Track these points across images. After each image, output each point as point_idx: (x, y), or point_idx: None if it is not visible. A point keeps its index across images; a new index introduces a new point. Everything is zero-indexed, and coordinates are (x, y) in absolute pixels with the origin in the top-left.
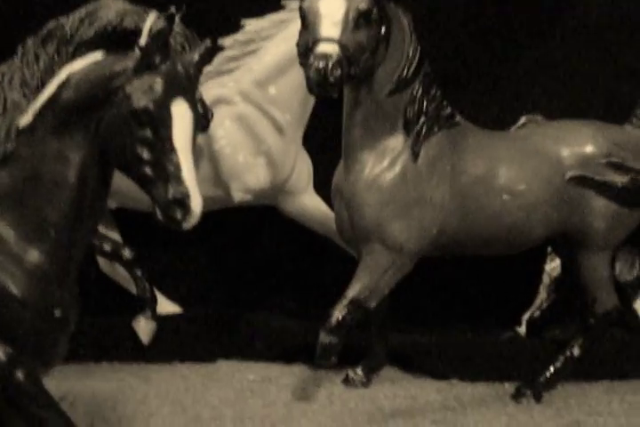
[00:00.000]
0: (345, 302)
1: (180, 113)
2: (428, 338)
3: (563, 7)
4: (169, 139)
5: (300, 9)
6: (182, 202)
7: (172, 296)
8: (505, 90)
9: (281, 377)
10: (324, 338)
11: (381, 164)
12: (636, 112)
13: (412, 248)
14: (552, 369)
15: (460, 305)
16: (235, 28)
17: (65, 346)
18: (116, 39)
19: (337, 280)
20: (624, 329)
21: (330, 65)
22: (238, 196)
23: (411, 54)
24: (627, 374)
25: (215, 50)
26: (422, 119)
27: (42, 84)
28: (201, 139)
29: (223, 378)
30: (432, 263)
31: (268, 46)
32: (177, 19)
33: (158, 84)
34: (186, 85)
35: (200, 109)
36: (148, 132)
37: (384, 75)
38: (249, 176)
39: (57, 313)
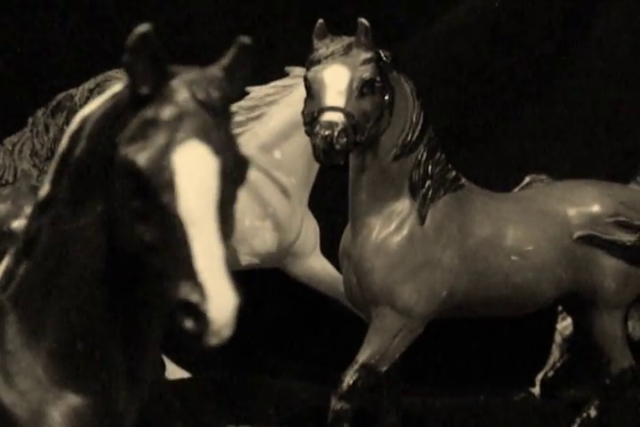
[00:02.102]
0: (356, 366)
1: (191, 162)
2: (440, 401)
3: (565, 65)
4: (171, 207)
5: (305, 79)
6: (191, 307)
7: (180, 361)
8: (508, 150)
9: None
10: (336, 404)
11: (389, 227)
12: (639, 171)
13: (421, 311)
14: None
15: (473, 367)
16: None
17: None
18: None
19: (347, 343)
20: None
21: (336, 133)
22: (245, 259)
23: (414, 120)
24: None
25: None
26: (428, 183)
27: (51, 154)
28: None
29: None
30: (443, 325)
31: (272, 112)
32: None
33: (147, 123)
34: (202, 117)
35: (235, 152)
36: (144, 202)
37: (389, 140)
38: (256, 240)
39: None
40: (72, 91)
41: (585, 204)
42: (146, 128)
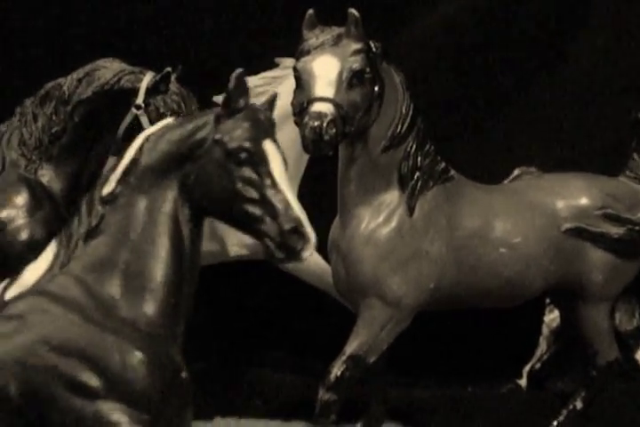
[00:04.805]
0: (344, 358)
1: (272, 150)
2: (428, 393)
3: (553, 59)
4: (269, 174)
5: (295, 69)
6: (298, 230)
7: None
8: (498, 143)
9: None
10: (324, 395)
11: (377, 219)
12: (628, 164)
13: (409, 303)
14: (555, 423)
15: (460, 359)
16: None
17: (191, 419)
18: (113, 98)
19: (335, 335)
20: (626, 380)
21: (325, 124)
22: (234, 251)
23: (404, 111)
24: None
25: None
26: (417, 174)
27: (40, 143)
28: None
29: None
30: (431, 317)
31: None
32: (172, 78)
33: (248, 125)
34: (269, 128)
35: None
36: (249, 171)
37: (378, 131)
38: None
39: (182, 374)
40: (60, 80)
41: (573, 196)
42: (244, 127)
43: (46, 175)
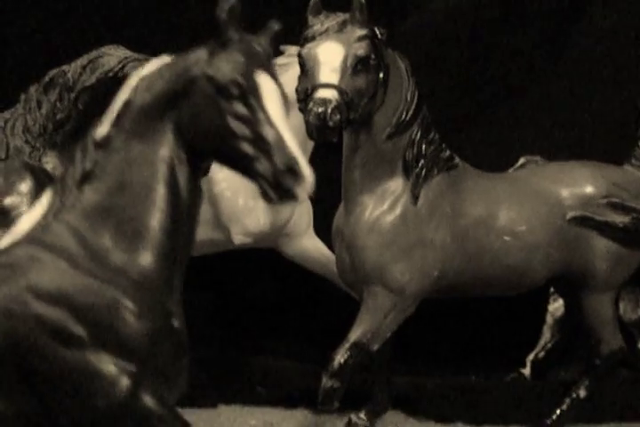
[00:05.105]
0: (347, 345)
1: (267, 84)
2: (431, 381)
3: (560, 47)
4: (262, 109)
5: (299, 56)
6: (292, 169)
7: None
8: (503, 131)
9: (283, 422)
10: (327, 382)
11: (382, 206)
12: (634, 153)
13: (413, 290)
14: (558, 411)
15: (464, 347)
16: None
17: (187, 369)
18: (117, 86)
19: (339, 323)
20: (630, 370)
21: (329, 110)
22: (238, 239)
23: (409, 98)
24: (634, 416)
25: None
26: (421, 162)
27: (44, 130)
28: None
29: (224, 424)
30: (435, 305)
31: None
32: None
33: (239, 57)
34: (265, 61)
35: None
36: (241, 106)
37: (383, 118)
38: (249, 219)
39: (175, 324)
40: (65, 67)
41: (578, 184)
42: (234, 59)
43: (50, 162)
